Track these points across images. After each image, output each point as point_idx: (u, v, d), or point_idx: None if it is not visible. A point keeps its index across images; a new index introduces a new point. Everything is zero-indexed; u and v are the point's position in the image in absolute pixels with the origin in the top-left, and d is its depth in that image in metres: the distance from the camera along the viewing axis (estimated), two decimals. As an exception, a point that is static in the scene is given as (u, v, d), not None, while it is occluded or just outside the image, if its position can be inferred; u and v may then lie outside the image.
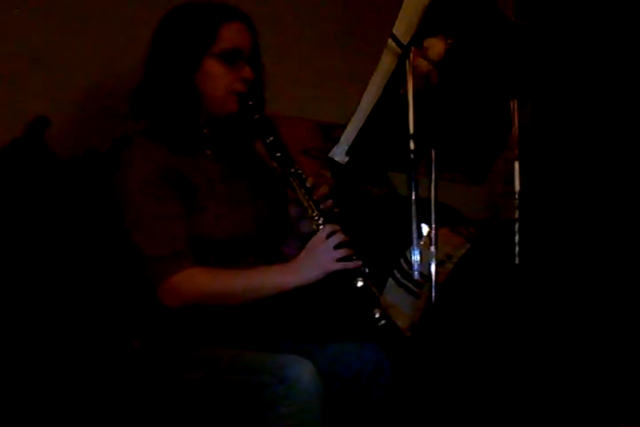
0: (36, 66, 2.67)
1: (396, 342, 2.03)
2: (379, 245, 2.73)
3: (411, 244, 2.04)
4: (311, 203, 2.11)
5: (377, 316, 2.03)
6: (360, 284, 2.05)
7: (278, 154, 2.15)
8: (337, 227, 2.09)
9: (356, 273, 2.06)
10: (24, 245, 2.36)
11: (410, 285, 2.69)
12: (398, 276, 2.71)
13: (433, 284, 2.06)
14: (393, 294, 2.70)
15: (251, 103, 2.16)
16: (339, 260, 2.05)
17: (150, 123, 2.17)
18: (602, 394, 2.81)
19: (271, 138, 2.15)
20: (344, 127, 2.08)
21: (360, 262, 2.06)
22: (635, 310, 2.89)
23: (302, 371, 1.93)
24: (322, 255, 2.06)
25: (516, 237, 2.24)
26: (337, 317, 2.45)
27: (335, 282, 2.06)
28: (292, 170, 2.13)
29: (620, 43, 3.66)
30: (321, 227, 2.09)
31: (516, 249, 2.24)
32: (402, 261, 2.69)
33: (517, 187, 2.27)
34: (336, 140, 2.09)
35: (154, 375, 2.10)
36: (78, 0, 2.77)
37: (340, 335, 2.26)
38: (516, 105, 2.26)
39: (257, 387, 1.95)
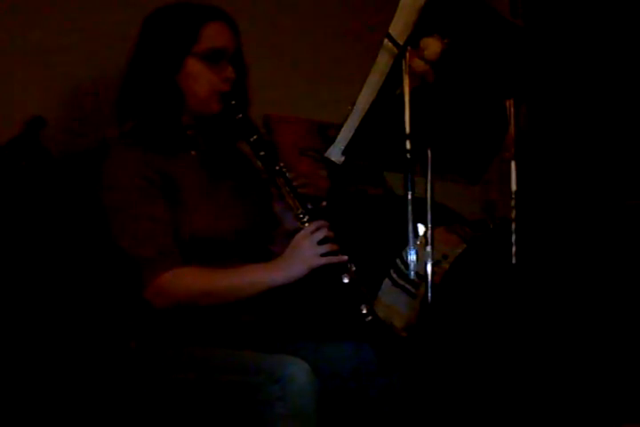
0: (32, 66, 2.67)
1: (382, 338, 2.03)
2: (375, 244, 2.73)
3: (407, 244, 2.04)
4: (296, 200, 2.11)
5: (364, 312, 2.03)
6: (346, 280, 2.05)
7: (262, 153, 2.14)
8: (322, 223, 2.08)
9: (342, 269, 2.06)
10: (20, 245, 2.36)
11: (406, 285, 2.69)
12: (394, 276, 2.71)
13: (429, 284, 2.06)
14: (389, 294, 2.70)
15: (233, 103, 2.16)
16: (323, 255, 2.05)
17: (134, 124, 2.17)
18: (601, 393, 2.81)
19: (255, 137, 2.15)
20: (340, 127, 2.08)
21: (345, 258, 2.06)
22: (633, 309, 2.89)
23: (298, 371, 1.93)
24: (306, 251, 2.05)
25: (513, 237, 2.24)
26: (333, 316, 2.45)
27: (322, 278, 2.06)
28: (277, 168, 2.13)
29: (617, 42, 3.66)
30: (306, 224, 2.09)
31: (513, 249, 2.24)
32: (398, 260, 2.69)
33: (514, 187, 2.27)
34: (332, 140, 2.09)
35: (149, 376, 2.10)
36: (74, 0, 2.77)
37: (336, 335, 2.26)
38: (512, 105, 2.26)
39: (252, 387, 1.95)
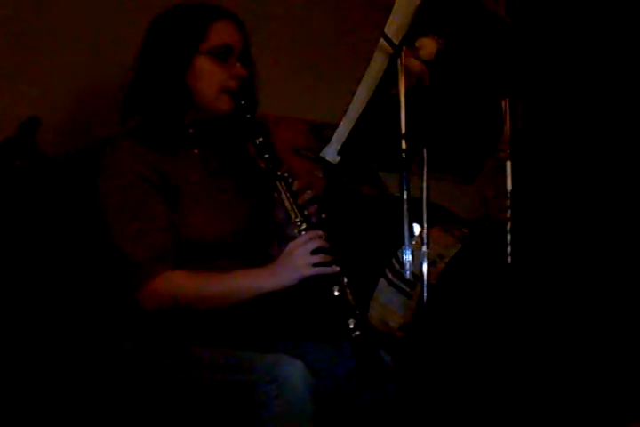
0: (27, 66, 2.66)
1: (368, 354, 2.01)
2: (370, 244, 2.73)
3: (402, 243, 2.04)
4: (295, 207, 2.10)
5: (351, 326, 2.02)
6: (337, 292, 2.04)
7: (266, 155, 2.14)
8: (318, 233, 2.07)
9: (334, 280, 2.04)
10: (14, 245, 2.35)
11: (402, 284, 2.69)
12: (390, 276, 2.70)
13: (425, 284, 2.06)
14: (385, 293, 2.70)
15: (243, 102, 2.16)
16: (315, 265, 2.04)
17: (139, 123, 2.17)
18: (595, 393, 2.81)
19: (260, 139, 2.15)
20: (335, 127, 2.08)
21: (337, 269, 2.05)
22: (628, 308, 2.89)
23: (294, 371, 1.93)
24: (298, 259, 2.04)
25: (508, 237, 2.24)
26: (329, 316, 2.45)
27: (313, 288, 2.05)
28: (279, 173, 2.12)
29: (613, 42, 3.67)
30: (303, 233, 2.08)
31: (508, 249, 2.24)
32: (394, 260, 2.69)
33: (509, 186, 2.27)
34: (327, 140, 2.09)
35: (145, 376, 2.10)
36: (69, 1, 2.77)
37: (332, 335, 2.25)
38: (507, 104, 2.26)
39: (248, 387, 1.95)
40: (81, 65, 2.74)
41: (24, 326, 2.30)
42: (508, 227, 2.24)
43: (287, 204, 2.10)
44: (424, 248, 2.06)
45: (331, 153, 2.10)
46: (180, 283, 2.08)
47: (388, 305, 2.69)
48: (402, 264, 2.12)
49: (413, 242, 2.06)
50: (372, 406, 2.13)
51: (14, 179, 2.40)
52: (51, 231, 2.41)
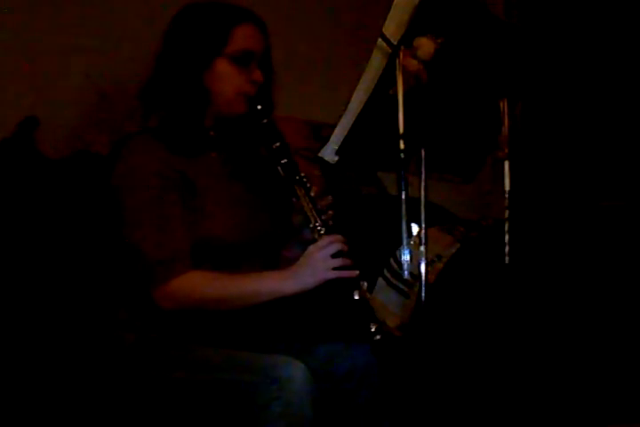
0: (26, 66, 2.67)
1: (391, 358, 2.01)
2: (369, 244, 2.73)
3: (401, 243, 2.04)
4: (314, 212, 2.09)
5: (372, 330, 2.01)
6: (357, 296, 2.04)
7: (284, 160, 2.13)
8: (338, 237, 2.08)
9: (353, 284, 2.04)
10: (14, 245, 2.35)
11: (400, 284, 2.69)
12: (388, 275, 2.71)
13: (423, 283, 2.06)
14: (383, 293, 2.70)
15: (259, 107, 2.15)
16: (335, 269, 2.04)
17: (159, 123, 2.16)
18: (593, 393, 2.81)
19: (277, 144, 2.14)
20: (333, 127, 2.08)
21: (356, 273, 2.05)
22: (625, 308, 2.90)
23: (294, 371, 1.93)
24: (318, 263, 2.03)
25: (506, 237, 2.24)
26: (328, 317, 2.45)
27: (332, 291, 2.05)
28: (297, 178, 2.12)
29: (612, 41, 3.67)
30: (323, 237, 2.07)
31: (506, 249, 2.24)
32: (392, 260, 2.69)
33: (507, 186, 2.27)
34: (325, 140, 2.09)
35: (146, 374, 2.09)
36: (68, 1, 2.77)
37: (331, 336, 2.26)
38: (506, 104, 2.26)
39: (249, 387, 1.95)
40: (80, 65, 2.74)
41: (22, 325, 2.30)
42: (506, 227, 2.24)
43: (306, 208, 2.09)
44: (422, 248, 2.06)
45: (329, 153, 2.10)
46: (200, 283, 2.07)
47: (385, 305, 2.69)
48: (400, 264, 2.12)
49: (411, 242, 2.06)
50: (369, 405, 2.13)
51: (12, 178, 2.40)
52: (50, 230, 2.41)
